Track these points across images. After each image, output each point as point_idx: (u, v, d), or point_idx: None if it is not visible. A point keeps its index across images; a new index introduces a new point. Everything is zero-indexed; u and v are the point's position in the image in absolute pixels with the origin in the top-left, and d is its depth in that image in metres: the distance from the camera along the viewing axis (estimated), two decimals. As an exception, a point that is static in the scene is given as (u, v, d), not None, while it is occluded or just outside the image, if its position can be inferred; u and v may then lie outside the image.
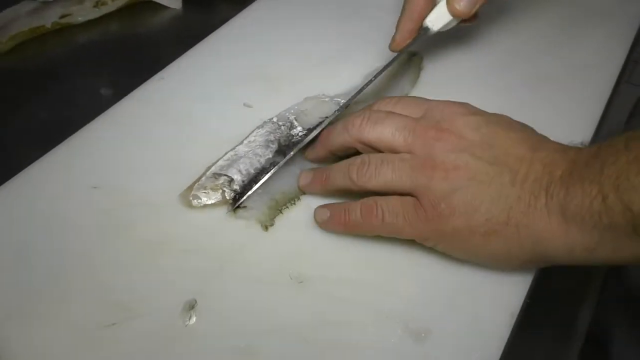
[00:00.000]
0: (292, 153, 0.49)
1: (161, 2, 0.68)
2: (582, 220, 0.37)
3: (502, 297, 0.43)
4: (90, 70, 0.62)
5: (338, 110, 0.51)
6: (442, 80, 0.58)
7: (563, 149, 0.41)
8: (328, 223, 0.45)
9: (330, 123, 0.50)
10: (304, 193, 0.48)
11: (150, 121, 0.54)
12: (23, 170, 0.49)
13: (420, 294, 0.43)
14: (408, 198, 0.42)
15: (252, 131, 0.51)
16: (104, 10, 0.66)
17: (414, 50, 0.59)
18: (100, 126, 0.53)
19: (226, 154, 0.49)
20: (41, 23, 0.63)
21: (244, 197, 0.47)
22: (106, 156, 0.51)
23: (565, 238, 0.38)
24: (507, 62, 0.60)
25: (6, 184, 0.48)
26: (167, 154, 0.51)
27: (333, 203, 0.46)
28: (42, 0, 0.64)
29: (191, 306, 0.41)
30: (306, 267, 0.44)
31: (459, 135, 0.42)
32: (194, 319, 0.41)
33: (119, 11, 0.67)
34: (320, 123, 0.51)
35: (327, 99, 0.55)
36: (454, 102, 0.45)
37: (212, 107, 0.55)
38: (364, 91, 0.53)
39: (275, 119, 0.52)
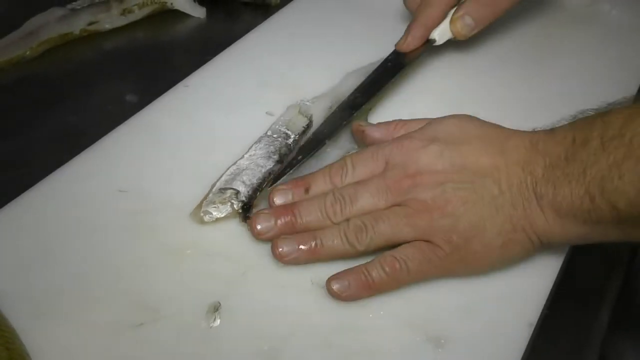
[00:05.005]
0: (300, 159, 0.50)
1: (186, 11, 0.69)
2: (574, 216, 0.41)
3: (520, 307, 0.43)
4: (117, 76, 0.63)
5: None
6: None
7: (530, 143, 0.43)
8: (350, 291, 0.43)
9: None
10: None
11: (174, 128, 0.55)
12: (51, 174, 0.50)
13: (440, 302, 0.44)
14: (420, 243, 0.43)
15: (251, 146, 0.52)
16: (131, 18, 0.67)
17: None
18: (126, 132, 0.54)
19: (229, 168, 0.50)
20: (69, 30, 0.64)
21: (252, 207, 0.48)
22: (132, 161, 0.52)
23: (562, 230, 0.42)
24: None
25: (35, 187, 0.49)
26: (190, 160, 0.52)
27: (345, 270, 0.44)
28: (71, 8, 0.65)
29: (215, 308, 0.42)
30: (327, 273, 0.44)
31: (430, 172, 0.44)
32: (218, 321, 0.41)
33: (145, 19, 0.68)
34: (306, 128, 0.54)
35: (308, 102, 0.56)
36: (404, 138, 0.46)
37: (235, 114, 0.56)
38: (345, 89, 0.57)
39: (269, 133, 0.53)
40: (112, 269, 0.44)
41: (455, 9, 0.59)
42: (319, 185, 0.47)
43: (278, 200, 0.47)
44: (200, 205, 0.48)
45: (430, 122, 0.47)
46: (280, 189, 0.47)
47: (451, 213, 0.42)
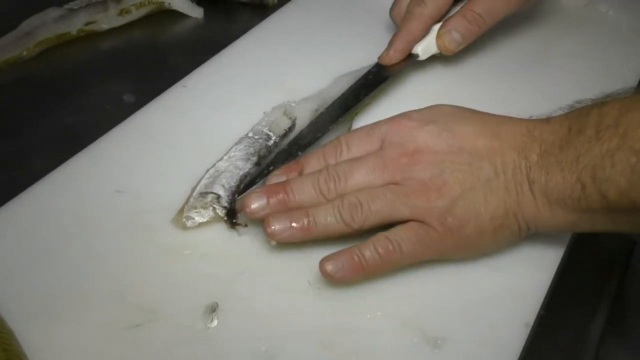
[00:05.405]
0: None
1: (183, 11, 0.69)
2: (564, 203, 0.41)
3: (517, 308, 0.43)
4: (114, 77, 0.63)
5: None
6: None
7: (526, 129, 0.43)
8: (344, 274, 0.42)
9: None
10: None
11: (172, 128, 0.55)
12: (48, 174, 0.50)
13: (437, 303, 0.44)
14: (413, 223, 0.43)
15: (231, 147, 0.52)
16: (128, 18, 0.67)
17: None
18: (123, 132, 0.54)
19: (207, 171, 0.50)
20: (67, 30, 0.64)
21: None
22: (129, 161, 0.52)
23: (551, 217, 0.42)
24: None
25: (31, 187, 0.49)
26: (188, 161, 0.52)
27: (338, 252, 0.43)
28: (68, 8, 0.65)
29: (213, 309, 0.42)
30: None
31: (428, 151, 0.44)
32: (215, 322, 0.42)
33: (143, 19, 0.68)
34: (288, 131, 0.53)
35: (294, 104, 0.56)
36: (399, 118, 0.46)
37: (232, 115, 0.56)
38: (333, 93, 0.56)
39: (250, 134, 0.53)
40: (109, 269, 0.44)
41: (440, 24, 0.59)
42: (314, 167, 0.47)
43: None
44: (181, 211, 0.47)
45: (425, 107, 0.47)
46: (275, 174, 0.47)
47: (448, 194, 0.42)
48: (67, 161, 0.51)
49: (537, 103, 0.53)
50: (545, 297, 0.44)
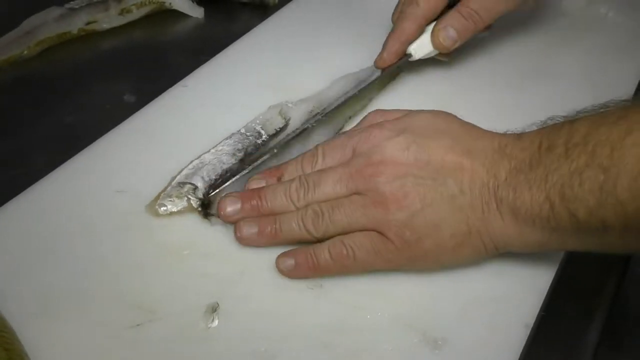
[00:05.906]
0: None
1: (184, 11, 0.69)
2: (532, 222, 0.40)
3: (517, 309, 0.43)
4: (114, 76, 0.63)
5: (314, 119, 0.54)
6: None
7: (499, 146, 0.43)
8: (296, 270, 0.44)
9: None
10: None
11: (172, 128, 0.55)
12: (49, 174, 0.50)
13: (437, 304, 0.44)
14: (372, 233, 0.43)
15: (220, 141, 0.52)
16: (129, 17, 0.67)
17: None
18: (124, 132, 0.54)
19: (191, 162, 0.50)
20: (67, 29, 0.65)
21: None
22: (130, 161, 0.52)
23: (519, 236, 0.41)
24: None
25: (32, 187, 0.49)
26: (188, 161, 0.51)
27: (295, 249, 0.45)
28: (69, 7, 0.65)
29: (213, 309, 0.42)
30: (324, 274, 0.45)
31: (393, 163, 0.43)
32: (216, 322, 0.42)
33: (143, 19, 0.68)
34: (279, 131, 0.53)
35: (291, 105, 0.56)
36: (375, 127, 0.46)
37: (233, 115, 0.56)
38: (330, 95, 0.57)
39: (243, 130, 0.53)
40: (110, 269, 0.44)
41: (434, 23, 0.58)
42: (291, 174, 0.47)
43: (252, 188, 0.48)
44: (157, 198, 0.48)
45: (407, 113, 0.47)
46: (255, 178, 0.48)
47: (407, 207, 0.42)
48: (67, 161, 0.51)
49: (534, 106, 0.54)
50: (545, 298, 0.44)
